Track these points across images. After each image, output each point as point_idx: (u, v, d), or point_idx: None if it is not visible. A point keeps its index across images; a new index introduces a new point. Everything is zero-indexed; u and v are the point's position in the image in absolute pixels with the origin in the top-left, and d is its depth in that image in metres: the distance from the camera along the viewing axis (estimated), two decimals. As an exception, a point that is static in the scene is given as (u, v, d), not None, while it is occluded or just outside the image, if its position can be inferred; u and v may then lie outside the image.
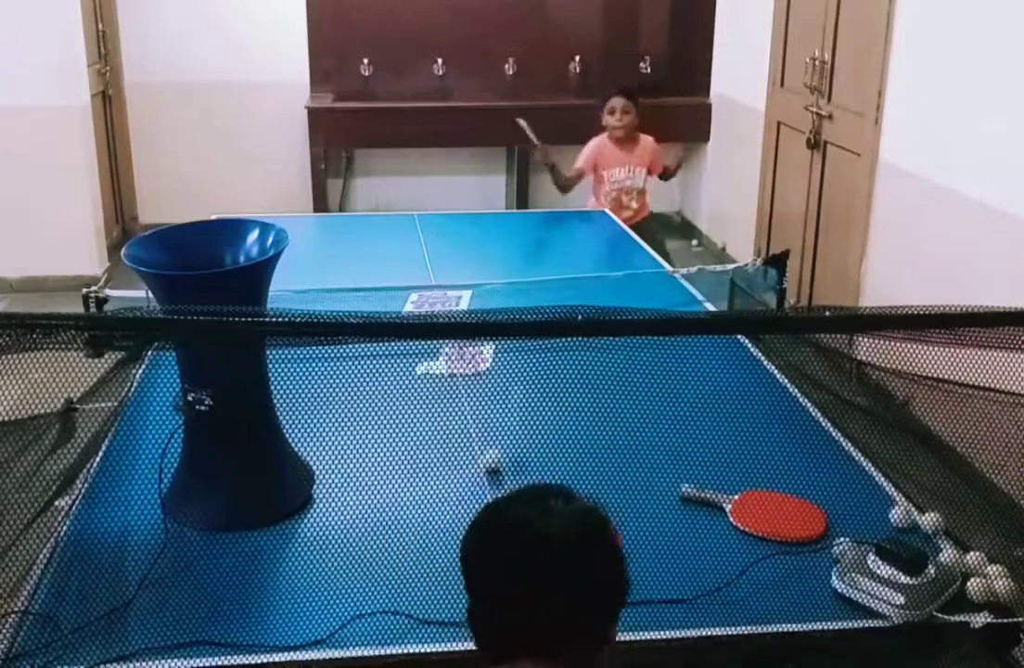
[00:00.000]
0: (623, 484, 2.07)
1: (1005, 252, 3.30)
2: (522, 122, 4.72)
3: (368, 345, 1.67)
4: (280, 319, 1.53)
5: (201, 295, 1.67)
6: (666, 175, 5.02)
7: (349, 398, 1.84)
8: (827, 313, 1.82)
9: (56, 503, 2.01)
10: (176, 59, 6.17)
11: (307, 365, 1.95)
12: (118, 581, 1.79)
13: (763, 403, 2.59)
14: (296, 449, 2.12)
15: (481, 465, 2.20)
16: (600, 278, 3.48)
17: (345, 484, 2.04)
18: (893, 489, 2.18)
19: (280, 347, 1.99)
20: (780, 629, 1.77)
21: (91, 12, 5.76)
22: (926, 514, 2.05)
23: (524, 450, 2.24)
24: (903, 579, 1.80)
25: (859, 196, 4.24)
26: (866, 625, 1.78)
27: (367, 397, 1.85)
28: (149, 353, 2.67)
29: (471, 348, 2.69)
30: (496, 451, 2.23)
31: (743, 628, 1.76)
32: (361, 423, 1.82)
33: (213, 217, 3.14)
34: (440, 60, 6.39)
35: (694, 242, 6.47)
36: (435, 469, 2.18)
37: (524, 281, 3.41)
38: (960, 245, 3.57)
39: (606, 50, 6.52)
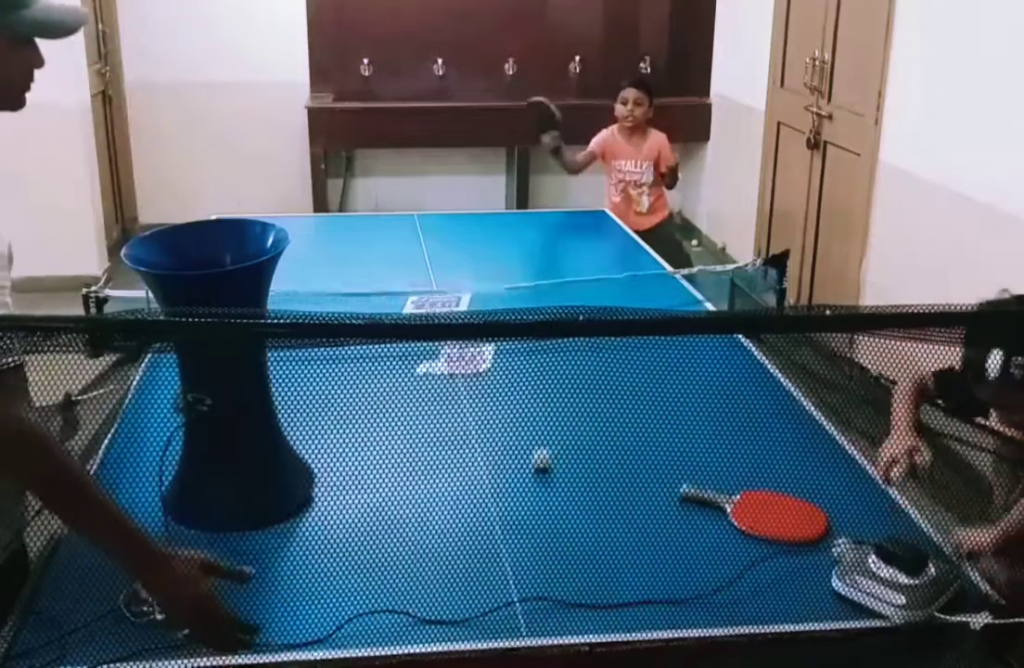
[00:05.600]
0: (623, 484, 2.08)
1: (1005, 252, 3.30)
2: (544, 99, 4.70)
3: (368, 346, 1.67)
4: (280, 320, 1.53)
5: (201, 295, 1.67)
6: (667, 180, 4.88)
7: (349, 399, 1.83)
8: (827, 313, 1.82)
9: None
10: (176, 59, 6.18)
11: (307, 366, 1.95)
12: (118, 581, 1.78)
13: (763, 403, 2.59)
14: (296, 449, 2.12)
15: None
16: (600, 279, 3.48)
17: (345, 484, 2.03)
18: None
19: (280, 348, 1.99)
20: (780, 629, 1.77)
21: (91, 12, 5.76)
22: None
23: (524, 450, 2.24)
24: (903, 579, 1.80)
25: (859, 196, 4.25)
26: (866, 625, 1.78)
27: (367, 398, 1.84)
28: (149, 354, 2.68)
29: (471, 348, 2.69)
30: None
31: (743, 628, 1.76)
32: (361, 424, 1.82)
33: (213, 217, 3.14)
34: (440, 60, 6.39)
35: (694, 242, 6.48)
36: (435, 469, 2.19)
37: (524, 285, 3.40)
38: (960, 245, 3.57)
39: (606, 50, 6.54)
